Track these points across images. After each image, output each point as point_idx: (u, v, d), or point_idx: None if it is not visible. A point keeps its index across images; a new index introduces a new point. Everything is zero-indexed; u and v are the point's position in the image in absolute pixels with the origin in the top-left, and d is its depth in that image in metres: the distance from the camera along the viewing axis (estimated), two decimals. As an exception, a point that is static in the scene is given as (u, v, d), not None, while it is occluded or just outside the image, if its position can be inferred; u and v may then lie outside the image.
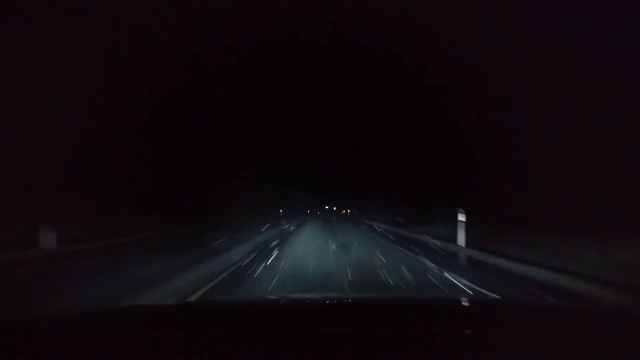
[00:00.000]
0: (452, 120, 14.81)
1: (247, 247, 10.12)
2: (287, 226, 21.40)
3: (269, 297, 3.56)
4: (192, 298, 4.57)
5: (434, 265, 7.42)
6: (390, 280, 5.83)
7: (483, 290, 5.20)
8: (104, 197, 13.50)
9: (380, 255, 8.75)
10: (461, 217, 10.30)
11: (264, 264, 7.35)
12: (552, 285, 5.61)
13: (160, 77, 15.78)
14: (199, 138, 22.80)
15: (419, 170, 19.60)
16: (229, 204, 26.00)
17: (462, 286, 5.52)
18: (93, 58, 12.78)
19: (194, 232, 15.15)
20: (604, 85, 8.22)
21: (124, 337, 1.15)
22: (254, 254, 8.75)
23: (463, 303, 2.07)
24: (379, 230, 19.19)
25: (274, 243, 11.47)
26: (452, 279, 6.00)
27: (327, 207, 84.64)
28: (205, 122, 22.76)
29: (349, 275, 6.23)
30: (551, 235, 8.27)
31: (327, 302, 1.97)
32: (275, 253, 9.11)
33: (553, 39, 9.55)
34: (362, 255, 8.99)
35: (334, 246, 11.00)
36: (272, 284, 5.50)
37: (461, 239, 10.28)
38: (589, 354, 1.03)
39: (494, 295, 4.90)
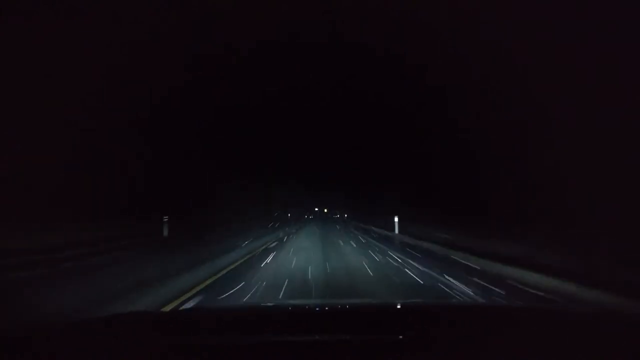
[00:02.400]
0: (452, 120, 14.81)
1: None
2: None
3: (266, 303, 3.54)
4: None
5: None
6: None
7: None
8: (103, 197, 13.43)
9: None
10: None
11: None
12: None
13: (161, 77, 15.78)
14: (198, 138, 22.78)
15: (421, 171, 19.51)
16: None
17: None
18: (93, 58, 12.77)
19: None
20: (603, 85, 8.21)
21: (123, 344, 1.15)
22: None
23: (460, 307, 2.06)
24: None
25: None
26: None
27: (317, 209, 75.26)
28: (205, 122, 22.76)
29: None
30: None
31: (324, 308, 1.96)
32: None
33: (553, 39, 9.55)
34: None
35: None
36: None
37: None
38: (588, 355, 1.02)
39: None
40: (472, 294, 5.13)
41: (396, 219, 16.71)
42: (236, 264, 7.98)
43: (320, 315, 1.66)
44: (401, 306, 2.06)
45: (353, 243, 13.41)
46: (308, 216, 63.82)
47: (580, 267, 5.98)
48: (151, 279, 5.83)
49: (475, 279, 6.13)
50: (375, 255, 9.60)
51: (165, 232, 14.31)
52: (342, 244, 13.25)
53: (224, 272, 6.92)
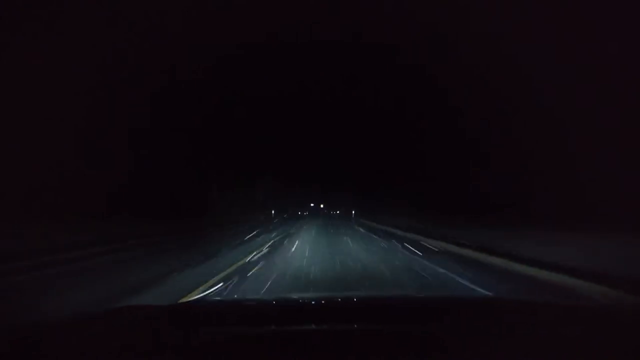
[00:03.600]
0: (454, 119, 14.86)
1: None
2: None
3: (267, 297, 3.50)
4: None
5: None
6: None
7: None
8: (96, 199, 12.96)
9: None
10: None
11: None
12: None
13: (157, 78, 15.61)
14: (195, 139, 22.46)
15: (424, 171, 19.39)
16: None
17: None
18: (91, 58, 12.58)
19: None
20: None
21: (120, 338, 1.14)
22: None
23: (462, 301, 2.09)
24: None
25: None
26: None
27: (312, 205, 69.92)
28: (204, 122, 22.53)
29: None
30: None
31: (324, 302, 1.96)
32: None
33: (555, 40, 9.63)
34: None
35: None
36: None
37: None
38: (586, 353, 1.02)
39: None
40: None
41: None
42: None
43: (317, 311, 1.66)
44: (404, 300, 2.07)
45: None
46: (302, 213, 58.68)
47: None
48: None
49: None
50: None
51: None
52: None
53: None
